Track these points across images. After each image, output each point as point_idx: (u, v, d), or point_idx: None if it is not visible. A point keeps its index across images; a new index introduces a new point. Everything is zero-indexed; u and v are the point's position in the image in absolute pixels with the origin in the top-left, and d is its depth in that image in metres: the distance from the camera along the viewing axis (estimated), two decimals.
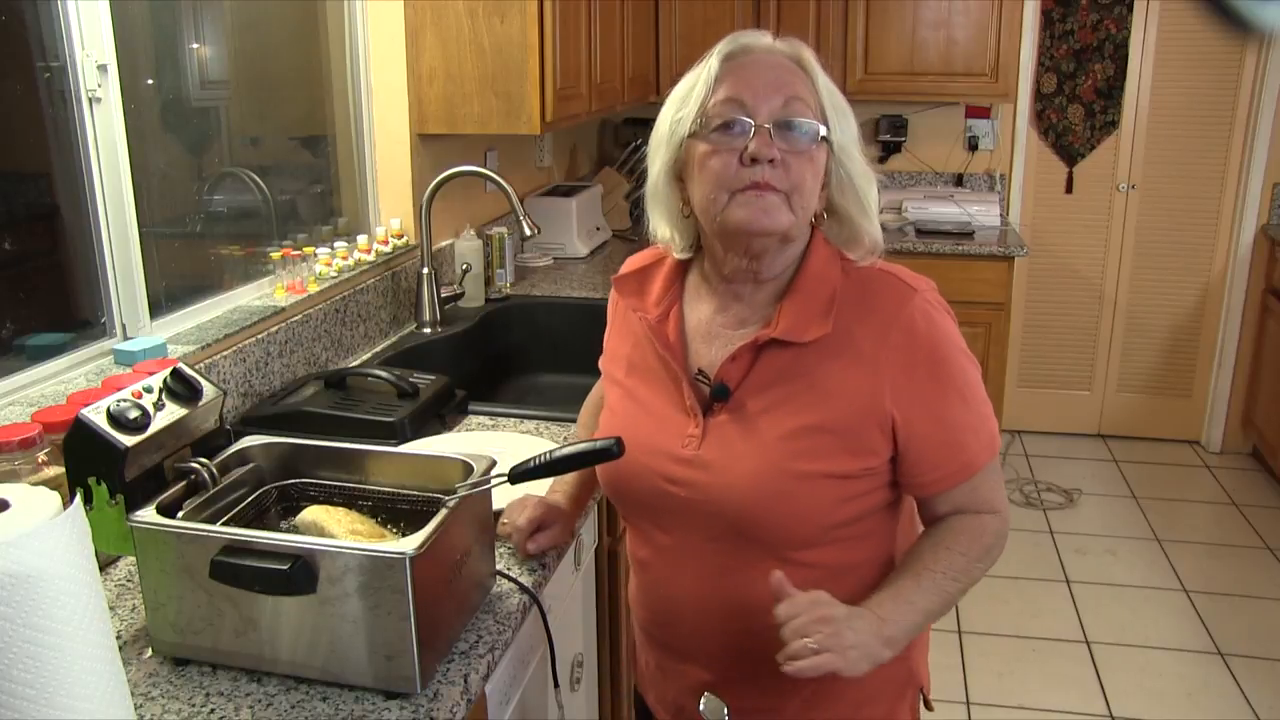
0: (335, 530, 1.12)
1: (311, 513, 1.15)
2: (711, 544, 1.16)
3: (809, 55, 1.14)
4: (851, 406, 1.10)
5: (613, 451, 1.10)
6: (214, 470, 1.19)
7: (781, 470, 1.10)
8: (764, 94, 1.10)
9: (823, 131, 1.11)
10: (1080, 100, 4.21)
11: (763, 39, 1.16)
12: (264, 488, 1.26)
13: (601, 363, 1.34)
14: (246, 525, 1.18)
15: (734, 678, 1.21)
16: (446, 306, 2.49)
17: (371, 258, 2.35)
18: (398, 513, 1.24)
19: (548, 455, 1.13)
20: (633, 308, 1.24)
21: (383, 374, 1.86)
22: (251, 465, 1.25)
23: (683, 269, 1.25)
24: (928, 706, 1.33)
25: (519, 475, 1.16)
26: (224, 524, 1.14)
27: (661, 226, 1.22)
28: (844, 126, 1.14)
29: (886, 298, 1.13)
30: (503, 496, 1.39)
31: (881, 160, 4.37)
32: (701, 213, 1.14)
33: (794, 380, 1.12)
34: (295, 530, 1.15)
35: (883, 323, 1.11)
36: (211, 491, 1.17)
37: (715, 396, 1.15)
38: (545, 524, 1.37)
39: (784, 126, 1.09)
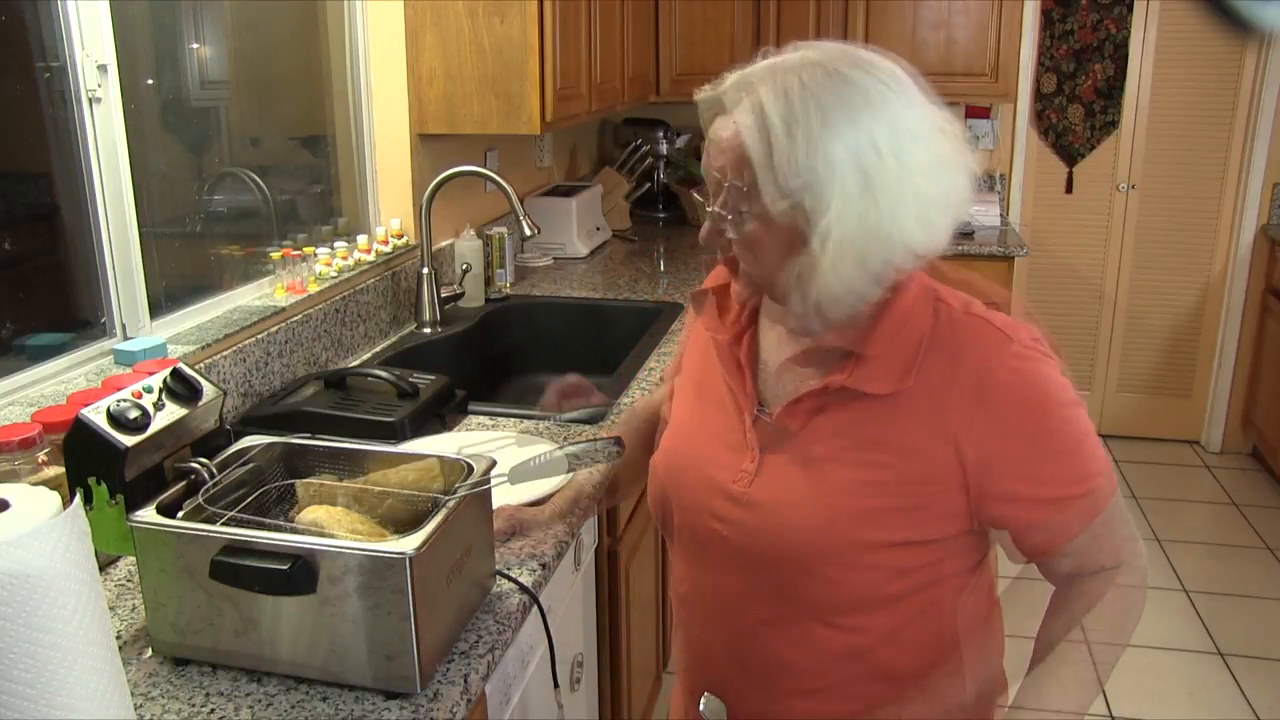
0: (335, 530, 1.11)
1: (312, 512, 1.15)
2: (754, 593, 1.08)
3: (765, 117, 0.95)
4: (929, 468, 1.00)
5: (612, 452, 1.10)
6: (214, 470, 1.19)
7: (837, 524, 1.01)
8: (710, 174, 1.02)
9: (756, 211, 0.98)
10: (1080, 100, 4.21)
11: (712, 97, 1.02)
12: (264, 487, 1.26)
13: (670, 374, 1.29)
14: (251, 517, 1.18)
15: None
16: (446, 306, 2.49)
17: (371, 258, 2.35)
18: (397, 512, 1.24)
19: (547, 455, 1.13)
20: (707, 326, 1.16)
21: (383, 374, 1.86)
22: (251, 465, 1.25)
23: None
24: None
25: (519, 475, 1.16)
26: (224, 523, 1.14)
27: None
28: (836, 186, 0.94)
29: (977, 348, 1.02)
30: (501, 496, 1.40)
31: None
32: None
33: (865, 430, 1.02)
34: (295, 531, 1.15)
35: (971, 375, 1.00)
36: (212, 491, 1.17)
37: (777, 437, 1.07)
38: (515, 535, 1.40)
39: (718, 214, 1.01)
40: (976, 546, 1.08)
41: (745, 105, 0.97)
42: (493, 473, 1.19)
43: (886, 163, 0.94)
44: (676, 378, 1.26)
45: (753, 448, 1.08)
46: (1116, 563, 1.06)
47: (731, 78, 1.00)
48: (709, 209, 1.03)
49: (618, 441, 1.10)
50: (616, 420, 1.48)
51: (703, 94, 1.02)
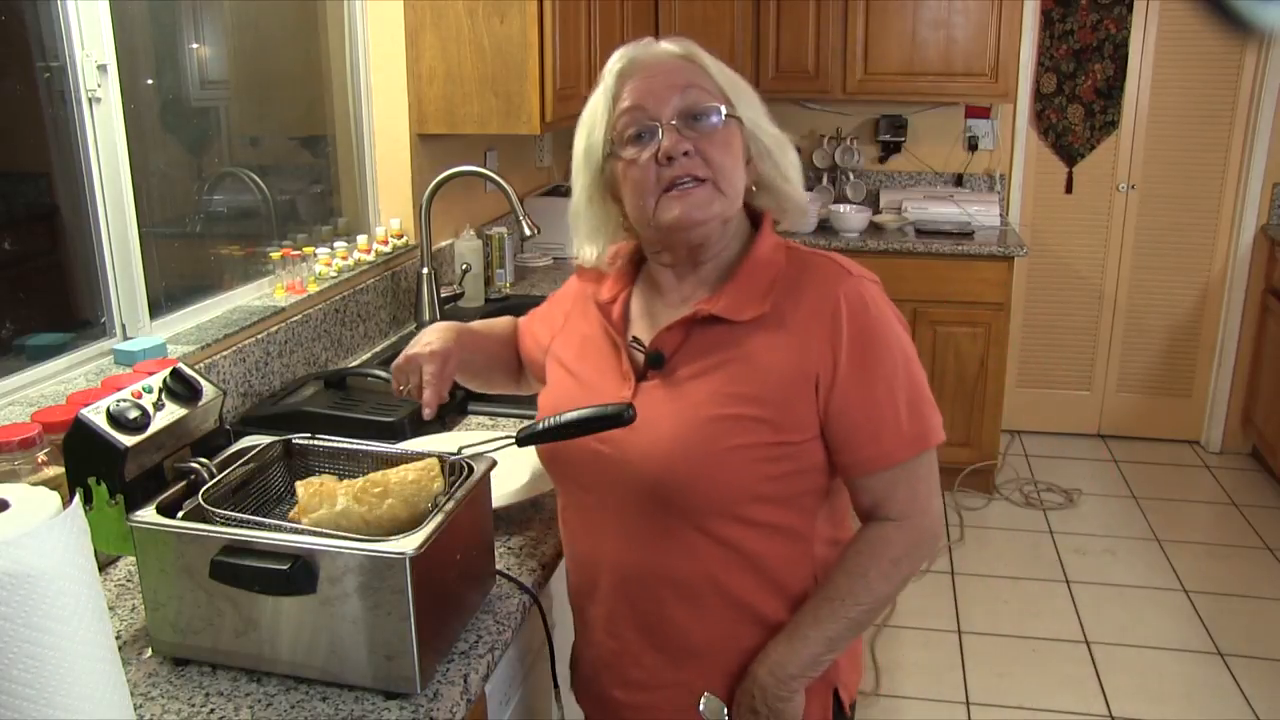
0: (335, 530, 1.11)
1: (312, 512, 1.14)
2: (632, 506, 1.18)
3: (696, 48, 1.19)
4: (780, 380, 1.13)
5: (625, 416, 1.10)
6: (214, 470, 1.19)
7: (704, 434, 1.13)
8: (663, 94, 1.14)
9: (727, 110, 1.15)
10: (1080, 100, 4.21)
11: (649, 46, 1.20)
12: (264, 487, 1.26)
13: (544, 338, 1.38)
14: (251, 517, 1.18)
15: (637, 649, 1.24)
16: (446, 306, 2.49)
17: (371, 258, 2.35)
18: (397, 512, 1.24)
19: (557, 418, 1.13)
20: (589, 291, 1.30)
21: (383, 374, 1.86)
22: (251, 465, 1.25)
23: (638, 261, 1.31)
24: (844, 710, 1.30)
25: (526, 439, 1.16)
26: (223, 523, 1.14)
27: (583, 247, 1.28)
28: (748, 102, 1.19)
29: (823, 278, 1.17)
30: (501, 490, 1.39)
31: (881, 160, 4.37)
32: (637, 223, 1.20)
33: (726, 351, 1.16)
34: (296, 530, 1.15)
35: (817, 300, 1.15)
36: (212, 492, 1.17)
37: (650, 364, 1.19)
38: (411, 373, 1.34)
39: (689, 116, 1.14)
40: (830, 468, 1.20)
41: (665, 44, 1.17)
42: (492, 473, 1.19)
43: (770, 132, 1.19)
44: (555, 342, 1.35)
45: (629, 377, 1.21)
46: (903, 516, 1.18)
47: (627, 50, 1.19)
48: (666, 124, 1.13)
49: (630, 407, 1.10)
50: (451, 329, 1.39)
51: (620, 60, 1.18)
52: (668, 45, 1.18)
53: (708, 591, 1.18)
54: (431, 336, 1.31)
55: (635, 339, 1.22)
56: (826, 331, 1.13)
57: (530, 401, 1.41)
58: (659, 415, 1.15)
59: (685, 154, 1.13)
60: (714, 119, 1.14)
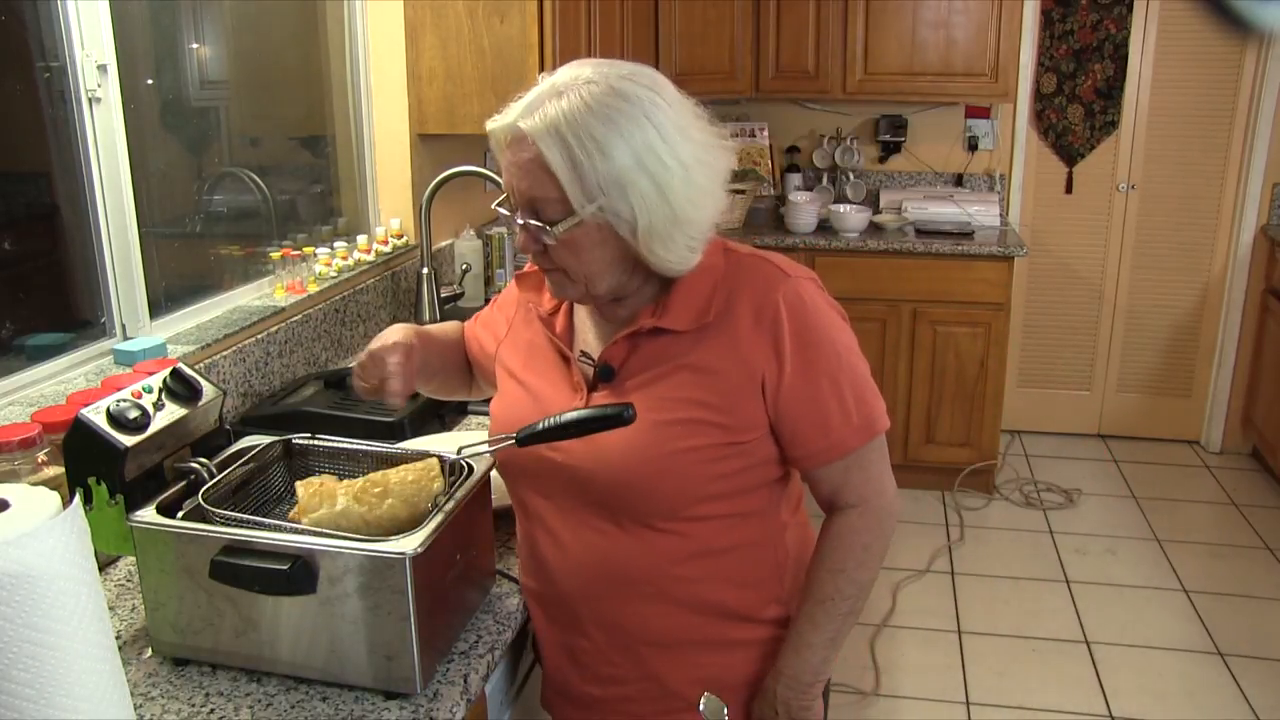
0: (335, 530, 1.11)
1: (312, 512, 1.14)
2: (588, 510, 1.21)
3: (546, 136, 1.08)
4: (727, 383, 1.16)
5: (625, 416, 1.10)
6: (214, 470, 1.19)
7: (654, 439, 1.15)
8: (515, 188, 1.14)
9: (565, 220, 1.11)
10: (1080, 100, 4.21)
11: (513, 124, 1.11)
12: (264, 487, 1.26)
13: (489, 345, 1.39)
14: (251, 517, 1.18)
15: (605, 648, 1.25)
16: (446, 306, 2.48)
17: (371, 258, 2.35)
18: (397, 512, 1.24)
19: (557, 418, 1.13)
20: (529, 301, 1.31)
21: None
22: (251, 465, 1.25)
23: None
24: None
25: (526, 439, 1.16)
26: (223, 523, 1.14)
27: None
28: (612, 170, 1.08)
29: (760, 281, 1.19)
30: (501, 490, 1.39)
31: (881, 160, 4.37)
32: None
33: (672, 360, 1.18)
34: (296, 530, 1.15)
35: (755, 303, 1.17)
36: (212, 492, 1.17)
37: (600, 377, 1.21)
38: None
39: (534, 227, 1.13)
40: (783, 460, 1.23)
41: (539, 126, 1.09)
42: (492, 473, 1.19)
43: (668, 164, 1.10)
44: (501, 349, 1.36)
45: (580, 389, 1.22)
46: (861, 501, 1.22)
47: (517, 105, 1.12)
48: (519, 222, 1.14)
49: (629, 407, 1.11)
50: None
51: (494, 123, 1.14)
52: (526, 125, 1.09)
53: (667, 586, 1.21)
54: (392, 333, 1.32)
55: (584, 354, 1.24)
56: (768, 334, 1.16)
57: None
58: None
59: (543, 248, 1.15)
60: (547, 237, 1.12)
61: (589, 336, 1.27)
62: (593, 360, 1.23)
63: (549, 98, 1.10)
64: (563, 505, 1.23)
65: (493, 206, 1.21)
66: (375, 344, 1.30)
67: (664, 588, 1.21)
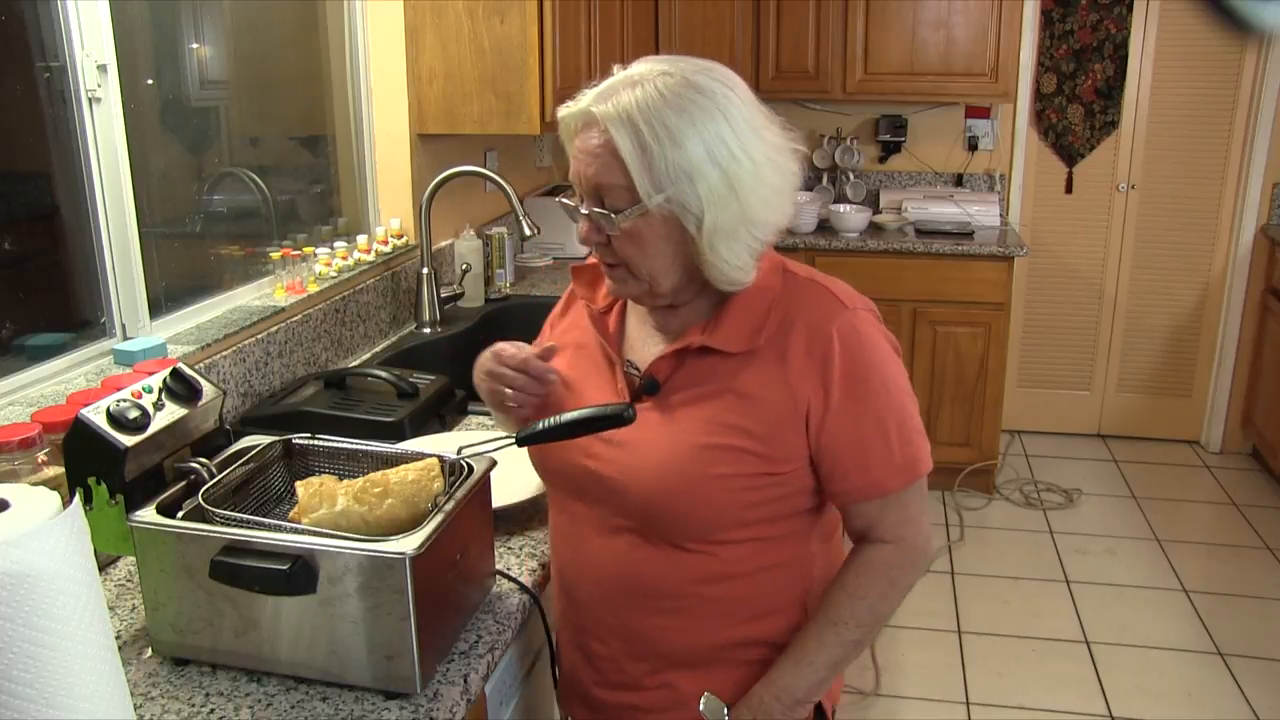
0: (335, 530, 1.11)
1: (312, 512, 1.14)
2: (619, 520, 1.20)
3: (619, 125, 1.07)
4: (771, 413, 1.14)
5: (624, 416, 1.10)
6: (214, 470, 1.19)
7: (691, 460, 1.14)
8: (582, 177, 1.13)
9: (632, 209, 1.10)
10: (1080, 100, 4.21)
11: (585, 111, 1.11)
12: (264, 487, 1.26)
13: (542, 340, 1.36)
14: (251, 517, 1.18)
15: (619, 655, 1.25)
16: (446, 306, 2.49)
17: (371, 258, 2.35)
18: (397, 512, 1.24)
19: (556, 419, 1.13)
20: (583, 296, 1.30)
21: (382, 374, 1.86)
22: (251, 465, 1.25)
23: None
24: (825, 716, 1.30)
25: (525, 439, 1.16)
26: (223, 523, 1.14)
27: None
28: (683, 164, 1.07)
29: (817, 311, 1.16)
30: (501, 490, 1.40)
31: (881, 160, 4.37)
32: None
33: (718, 381, 1.16)
34: (296, 530, 1.15)
35: (810, 335, 1.14)
36: (212, 492, 1.17)
37: (645, 390, 1.19)
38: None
39: (599, 215, 1.12)
40: (819, 490, 1.20)
41: (611, 112, 1.08)
42: (491, 473, 1.19)
43: (739, 159, 1.09)
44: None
45: (624, 396, 1.21)
46: (896, 539, 1.19)
47: (590, 93, 1.12)
48: (583, 211, 1.13)
49: (629, 406, 1.11)
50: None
51: (566, 109, 1.13)
52: (599, 110, 1.09)
53: (688, 604, 1.20)
54: (506, 347, 1.28)
55: (632, 364, 1.23)
56: (819, 367, 1.13)
57: None
58: (651, 438, 1.16)
59: (606, 241, 1.14)
60: (610, 226, 1.11)
61: (636, 345, 1.25)
62: (638, 371, 1.22)
63: (624, 86, 1.09)
64: (595, 512, 1.22)
65: (558, 200, 1.18)
66: (503, 350, 1.25)
67: (685, 605, 1.20)
